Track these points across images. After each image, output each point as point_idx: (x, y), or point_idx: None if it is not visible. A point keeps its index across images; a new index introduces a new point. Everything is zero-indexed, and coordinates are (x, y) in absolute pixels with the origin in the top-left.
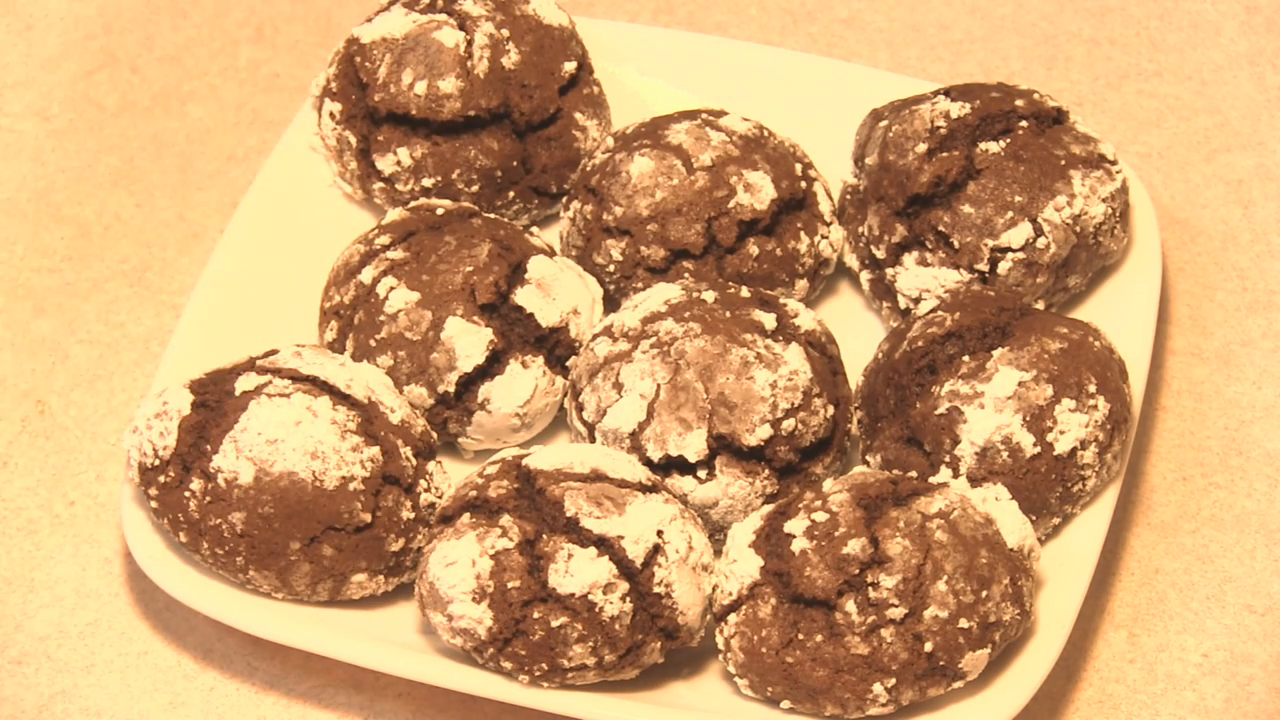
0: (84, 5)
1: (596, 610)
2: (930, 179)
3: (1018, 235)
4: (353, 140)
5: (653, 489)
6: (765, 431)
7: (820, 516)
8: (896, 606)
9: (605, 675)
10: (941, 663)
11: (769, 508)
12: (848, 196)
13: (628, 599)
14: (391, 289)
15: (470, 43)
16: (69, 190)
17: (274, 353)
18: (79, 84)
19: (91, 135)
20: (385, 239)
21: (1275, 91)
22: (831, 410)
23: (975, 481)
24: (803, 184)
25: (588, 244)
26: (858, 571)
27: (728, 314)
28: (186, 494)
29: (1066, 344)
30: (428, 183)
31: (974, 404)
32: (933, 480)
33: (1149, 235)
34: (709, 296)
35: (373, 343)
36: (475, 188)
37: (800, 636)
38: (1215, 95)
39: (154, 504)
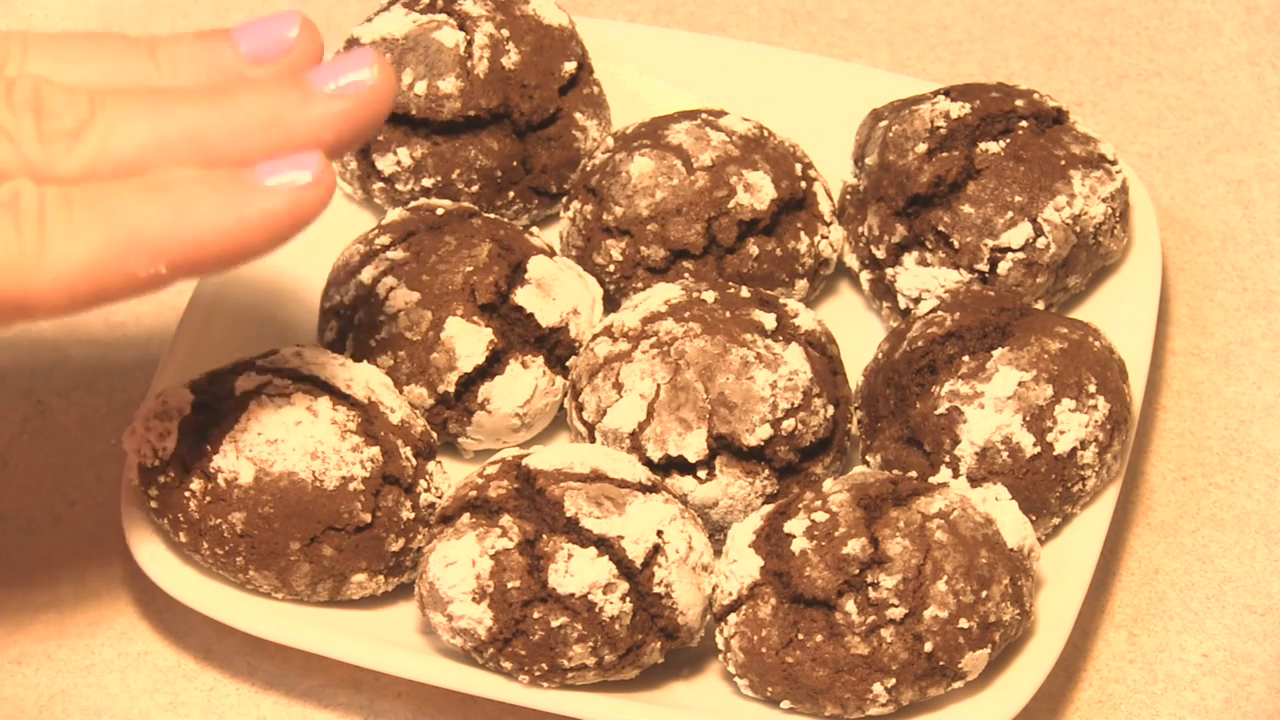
0: (84, 5)
1: (596, 610)
2: (930, 179)
3: (1018, 235)
4: None
5: (653, 489)
6: (765, 431)
7: (820, 516)
8: (896, 606)
9: (605, 675)
10: (941, 663)
11: (769, 508)
12: (848, 196)
13: (628, 599)
14: (391, 289)
15: (470, 43)
16: None
17: (274, 353)
18: None
19: None
20: (385, 239)
21: (1275, 91)
22: (831, 410)
23: (975, 481)
24: (803, 184)
25: (588, 244)
26: (858, 571)
27: (728, 314)
28: (186, 494)
29: (1066, 344)
30: (428, 183)
31: (974, 404)
32: (933, 480)
33: (1149, 235)
34: (709, 296)
35: (373, 343)
36: (475, 188)
37: (800, 636)
38: (1215, 95)
39: (154, 504)
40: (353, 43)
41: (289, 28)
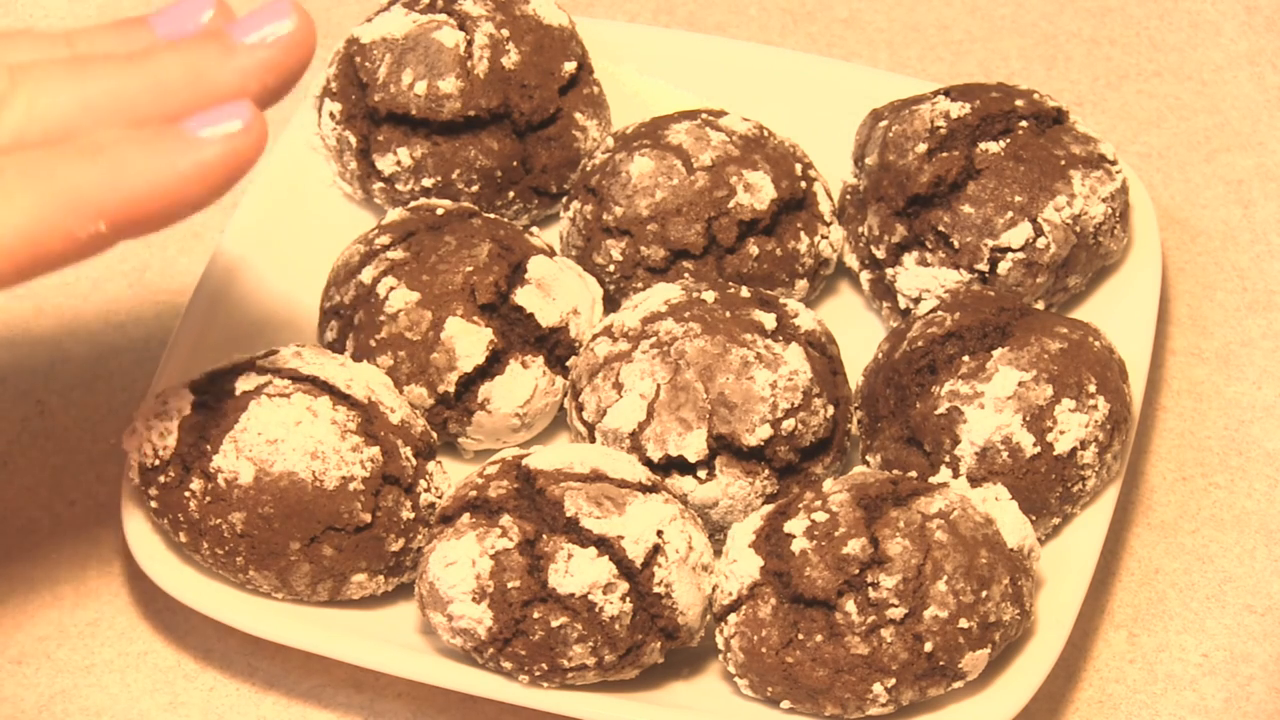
0: (84, 5)
1: (596, 610)
2: (930, 179)
3: (1018, 235)
4: (353, 140)
5: (653, 489)
6: (765, 431)
7: (820, 516)
8: (896, 606)
9: (605, 675)
10: (941, 663)
11: (769, 508)
12: (848, 196)
13: (628, 599)
14: (391, 289)
15: (470, 43)
16: None
17: (274, 353)
18: None
19: None
20: (385, 239)
21: (1275, 91)
22: (831, 410)
23: (975, 481)
24: (803, 184)
25: (588, 244)
26: (858, 571)
27: (728, 314)
28: (186, 494)
29: (1066, 344)
30: (428, 183)
31: (974, 404)
32: (933, 480)
33: (1149, 235)
34: (709, 296)
35: (373, 343)
36: (475, 188)
37: (800, 636)
38: (1215, 95)
39: (154, 504)
40: (353, 43)
41: (203, 10)
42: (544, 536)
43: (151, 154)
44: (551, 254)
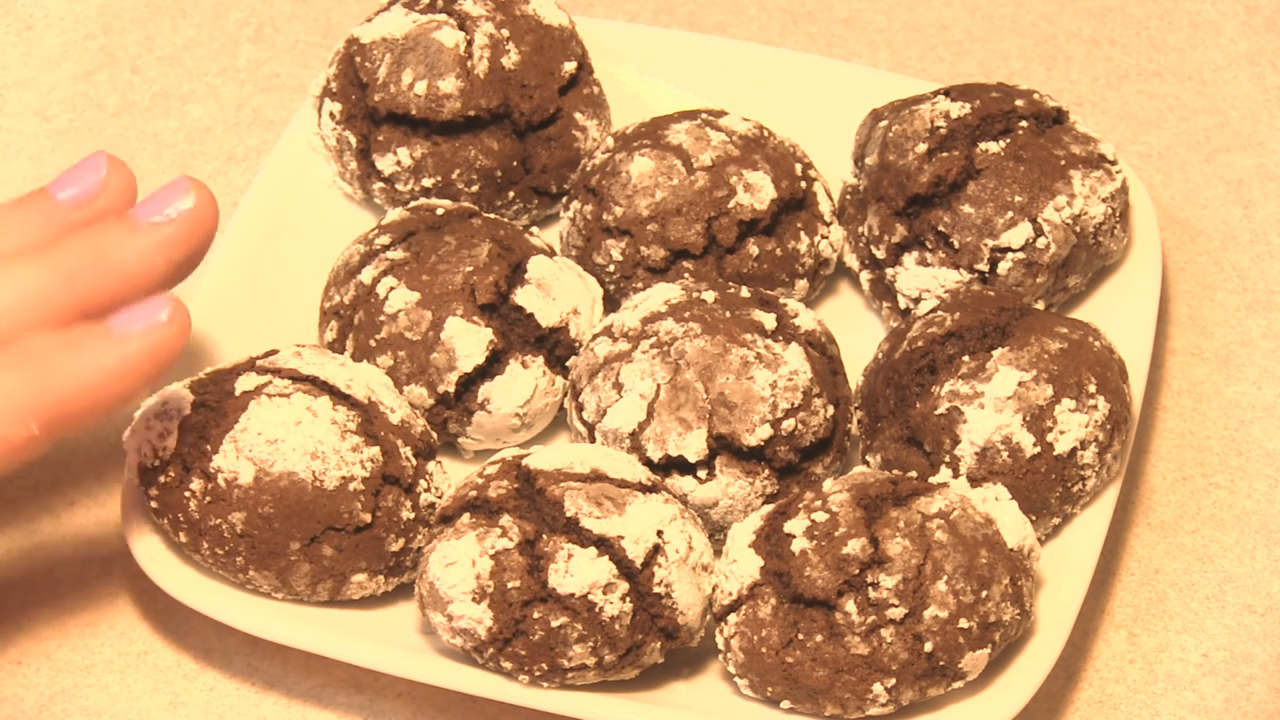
0: (84, 5)
1: (596, 610)
2: (930, 179)
3: (1018, 235)
4: (353, 140)
5: (653, 489)
6: (765, 431)
7: (820, 516)
8: (896, 606)
9: (605, 675)
10: (941, 663)
11: (769, 508)
12: (848, 196)
13: (628, 599)
14: (391, 289)
15: (470, 43)
16: None
17: (274, 353)
18: (79, 84)
19: (91, 135)
20: (385, 239)
21: (1275, 91)
22: (831, 410)
23: (975, 481)
24: (803, 184)
25: (588, 244)
26: (858, 571)
27: (728, 314)
28: (186, 494)
29: (1066, 344)
30: (428, 183)
31: (974, 404)
32: (933, 480)
33: (1149, 235)
34: (709, 296)
35: (373, 343)
36: (475, 188)
37: (800, 636)
38: (1215, 95)
39: (154, 504)
40: (353, 43)
41: (99, 168)
42: (544, 536)
43: (78, 355)
44: (551, 254)
